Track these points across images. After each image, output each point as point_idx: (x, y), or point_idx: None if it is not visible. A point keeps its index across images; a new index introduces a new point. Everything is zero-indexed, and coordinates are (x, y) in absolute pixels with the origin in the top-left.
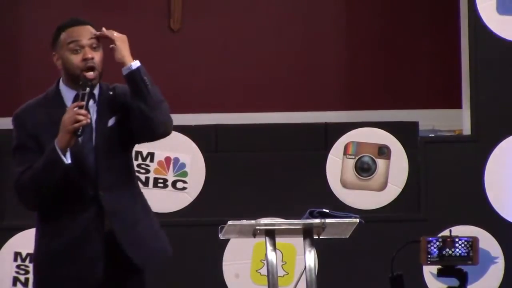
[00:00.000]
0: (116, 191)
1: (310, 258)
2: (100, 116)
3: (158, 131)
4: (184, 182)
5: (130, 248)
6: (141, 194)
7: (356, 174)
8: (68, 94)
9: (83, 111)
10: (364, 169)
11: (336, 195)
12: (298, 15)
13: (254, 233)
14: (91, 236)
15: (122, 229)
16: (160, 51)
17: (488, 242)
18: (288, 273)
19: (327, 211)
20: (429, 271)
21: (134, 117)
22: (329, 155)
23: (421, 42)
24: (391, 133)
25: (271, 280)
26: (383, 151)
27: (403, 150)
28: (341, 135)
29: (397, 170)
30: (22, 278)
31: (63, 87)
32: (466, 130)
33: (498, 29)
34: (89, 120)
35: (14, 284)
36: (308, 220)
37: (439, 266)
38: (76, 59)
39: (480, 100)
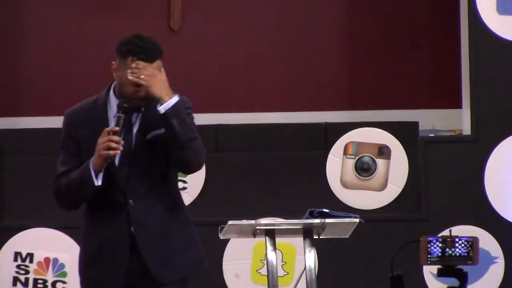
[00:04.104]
0: (148, 201)
1: (310, 258)
2: (142, 127)
3: (186, 168)
4: (184, 182)
5: (153, 261)
6: (180, 204)
7: (356, 174)
8: (114, 105)
9: (116, 138)
10: (364, 169)
11: (336, 195)
12: (298, 15)
13: (254, 233)
14: (118, 243)
15: (148, 239)
16: None
17: (488, 242)
18: (288, 273)
19: (327, 211)
20: (429, 271)
21: (169, 150)
22: (329, 155)
23: (421, 42)
24: (391, 133)
25: (271, 280)
26: (383, 151)
27: (403, 150)
28: (341, 135)
29: (397, 170)
30: (22, 278)
31: (112, 97)
32: (466, 130)
33: (498, 29)
34: (121, 148)
35: (14, 284)
36: (308, 220)
37: (439, 266)
38: (131, 89)
39: (480, 100)
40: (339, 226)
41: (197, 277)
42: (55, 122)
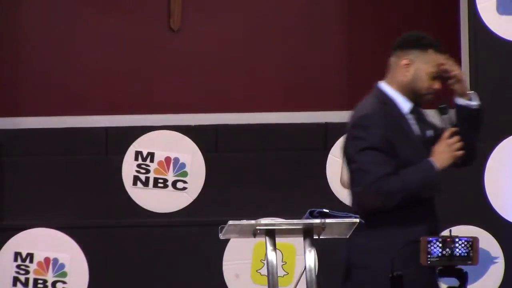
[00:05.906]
0: None
1: (310, 258)
2: (422, 126)
3: (474, 160)
4: (184, 182)
5: None
6: None
7: None
8: (403, 104)
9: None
10: None
11: (336, 195)
12: (298, 15)
13: (254, 233)
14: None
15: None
16: (160, 51)
17: (488, 242)
18: (288, 273)
19: (327, 211)
20: None
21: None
22: (329, 155)
23: None
24: None
25: (271, 280)
26: None
27: None
28: (341, 135)
29: None
30: (22, 278)
31: (398, 97)
32: None
33: (498, 29)
34: None
35: (14, 284)
36: (308, 220)
37: (439, 266)
38: (428, 83)
39: (480, 100)
40: (339, 226)
41: (198, 277)
42: (55, 122)
